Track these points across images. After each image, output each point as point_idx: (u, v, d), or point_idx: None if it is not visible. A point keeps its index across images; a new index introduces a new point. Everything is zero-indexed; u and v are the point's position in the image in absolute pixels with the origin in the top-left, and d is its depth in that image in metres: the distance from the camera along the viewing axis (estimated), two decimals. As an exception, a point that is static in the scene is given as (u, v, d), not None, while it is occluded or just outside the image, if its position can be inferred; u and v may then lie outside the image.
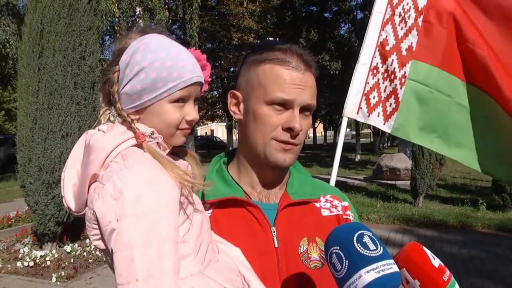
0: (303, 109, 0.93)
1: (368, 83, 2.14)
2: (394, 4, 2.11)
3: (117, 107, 0.84)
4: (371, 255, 0.68)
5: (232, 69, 23.42)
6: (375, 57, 2.13)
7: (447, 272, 0.75)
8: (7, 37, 14.35)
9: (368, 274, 0.66)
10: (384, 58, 2.12)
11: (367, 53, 2.14)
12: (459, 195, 10.14)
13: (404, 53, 2.08)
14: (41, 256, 5.22)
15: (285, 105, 0.92)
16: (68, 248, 5.52)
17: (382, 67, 2.13)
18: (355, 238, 0.70)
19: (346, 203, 1.08)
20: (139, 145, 0.80)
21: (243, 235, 0.94)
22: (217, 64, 23.36)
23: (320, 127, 52.30)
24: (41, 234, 5.42)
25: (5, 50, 14.66)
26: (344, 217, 1.04)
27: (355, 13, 21.36)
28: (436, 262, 0.74)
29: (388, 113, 2.12)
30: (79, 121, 5.36)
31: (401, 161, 11.87)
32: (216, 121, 33.50)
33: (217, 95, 26.55)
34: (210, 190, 0.94)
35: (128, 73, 0.81)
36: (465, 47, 1.94)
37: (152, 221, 0.70)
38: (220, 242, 0.91)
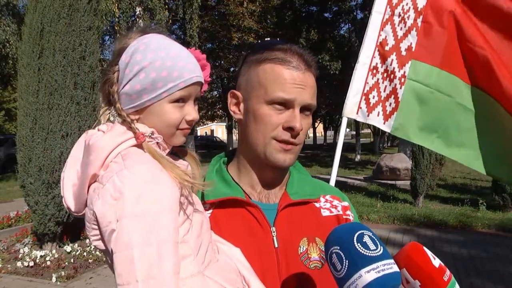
0: (304, 109, 0.93)
1: (367, 83, 2.14)
2: (394, 4, 2.11)
3: (117, 107, 0.84)
4: (371, 255, 0.68)
5: (232, 69, 23.42)
6: (374, 57, 2.13)
7: (448, 272, 0.75)
8: (7, 37, 14.35)
9: (368, 274, 0.66)
10: (383, 58, 2.12)
11: (367, 53, 2.13)
12: (459, 195, 10.13)
13: (403, 53, 2.08)
14: (41, 256, 5.22)
15: (286, 104, 0.91)
16: (68, 248, 5.52)
17: (381, 67, 2.13)
18: (355, 238, 0.70)
19: (346, 203, 1.08)
20: (139, 145, 0.80)
21: (243, 235, 0.93)
22: (217, 64, 23.37)
23: (320, 127, 52.29)
24: (41, 234, 5.42)
25: (5, 50, 14.66)
26: (344, 217, 1.04)
27: (355, 13, 21.38)
28: (436, 262, 0.74)
29: (388, 112, 2.11)
30: (79, 121, 5.36)
31: (401, 161, 11.87)
32: (216, 121, 33.50)
33: (217, 95, 26.54)
34: (210, 190, 0.94)
35: (128, 73, 0.81)
36: (466, 46, 1.94)
37: (152, 221, 0.70)
38: (220, 242, 0.90)
